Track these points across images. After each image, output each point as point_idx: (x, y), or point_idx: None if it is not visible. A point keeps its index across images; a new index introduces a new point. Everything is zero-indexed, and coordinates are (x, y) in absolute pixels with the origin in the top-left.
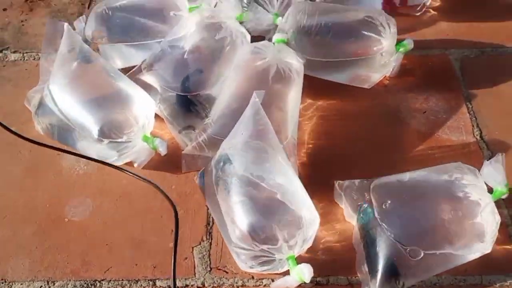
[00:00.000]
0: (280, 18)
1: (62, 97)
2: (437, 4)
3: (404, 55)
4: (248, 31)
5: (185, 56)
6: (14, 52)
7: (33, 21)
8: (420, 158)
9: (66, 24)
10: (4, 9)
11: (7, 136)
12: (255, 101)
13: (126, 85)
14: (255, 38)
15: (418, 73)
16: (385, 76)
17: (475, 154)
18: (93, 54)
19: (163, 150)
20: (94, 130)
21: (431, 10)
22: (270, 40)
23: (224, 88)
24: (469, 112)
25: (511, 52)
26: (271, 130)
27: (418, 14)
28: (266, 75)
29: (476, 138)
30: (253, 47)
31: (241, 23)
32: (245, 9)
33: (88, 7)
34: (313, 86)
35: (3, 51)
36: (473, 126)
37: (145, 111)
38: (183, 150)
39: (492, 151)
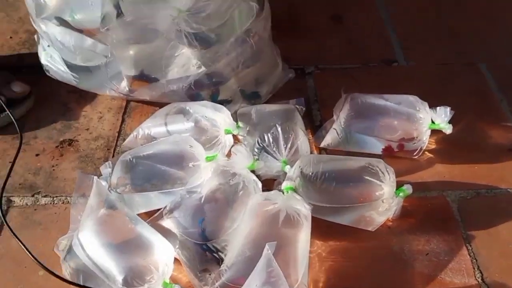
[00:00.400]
0: (288, 166)
1: (88, 245)
2: (433, 147)
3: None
4: (259, 177)
5: (202, 202)
6: (45, 196)
7: (63, 165)
8: None
9: (95, 178)
10: (37, 155)
11: (36, 281)
12: (267, 253)
13: (147, 232)
14: (265, 181)
15: (418, 215)
16: (388, 218)
17: None
18: (117, 202)
19: None
20: (119, 279)
21: (427, 153)
22: (279, 183)
23: (237, 234)
24: (469, 254)
25: (505, 193)
26: (283, 281)
27: (415, 157)
28: (276, 221)
29: (478, 281)
30: (264, 196)
31: (252, 171)
32: (256, 157)
33: (113, 153)
34: (320, 228)
35: (35, 195)
36: (474, 268)
37: (164, 258)
38: None
39: None
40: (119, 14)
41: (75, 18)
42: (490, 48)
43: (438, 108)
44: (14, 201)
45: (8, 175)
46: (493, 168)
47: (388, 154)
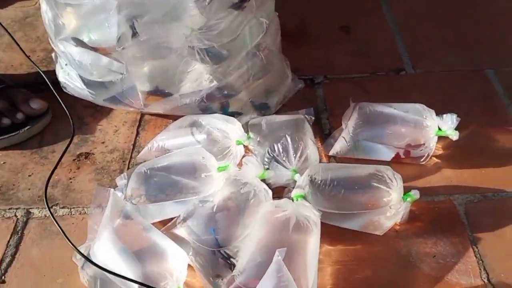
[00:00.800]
0: (298, 175)
1: (105, 253)
2: (440, 152)
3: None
4: (269, 185)
5: (214, 211)
6: (63, 207)
7: (80, 178)
8: None
9: (111, 190)
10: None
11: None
12: (278, 259)
13: (161, 240)
14: (275, 189)
15: (426, 218)
16: (396, 223)
17: None
18: (133, 212)
19: None
20: (134, 286)
21: (434, 158)
22: (289, 191)
23: (249, 240)
24: (475, 256)
25: (511, 197)
26: (293, 286)
27: (423, 163)
28: (286, 227)
29: (484, 281)
30: (275, 204)
31: (263, 180)
32: (266, 166)
33: (128, 165)
34: (329, 233)
35: (53, 207)
36: (480, 269)
37: (179, 264)
38: None
39: None
40: (134, 34)
41: (92, 38)
42: (497, 54)
43: (444, 115)
44: (33, 212)
45: (49, 179)
46: (499, 172)
47: (395, 161)
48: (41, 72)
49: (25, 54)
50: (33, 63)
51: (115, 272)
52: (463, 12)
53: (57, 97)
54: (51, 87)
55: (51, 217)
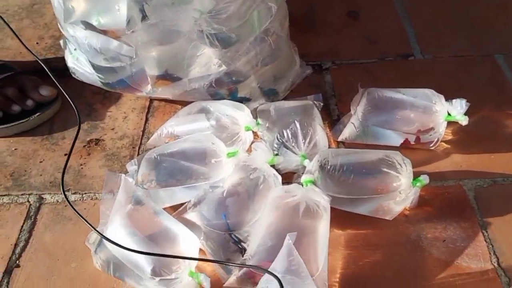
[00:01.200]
0: (307, 160)
1: (117, 238)
2: (449, 137)
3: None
4: (279, 171)
5: (225, 196)
6: (74, 193)
7: (91, 164)
8: (443, 286)
9: (123, 175)
10: (65, 154)
11: (68, 272)
12: (288, 242)
13: (173, 225)
14: (285, 175)
15: (435, 203)
16: (406, 207)
17: (493, 281)
18: (144, 197)
19: (207, 285)
20: (147, 269)
21: (444, 144)
22: (298, 176)
23: (259, 225)
24: (485, 240)
25: None
26: (304, 269)
27: (432, 148)
28: (296, 212)
29: (494, 265)
30: (284, 189)
31: (272, 166)
32: (275, 152)
33: (138, 151)
34: (339, 218)
35: (65, 193)
36: (490, 253)
37: (190, 248)
38: (224, 283)
39: (510, 277)
40: (144, 17)
41: (101, 22)
42: (507, 40)
43: (454, 100)
44: (45, 198)
45: (65, 166)
46: (509, 157)
47: (404, 146)
48: (39, 61)
49: (22, 43)
50: (31, 52)
51: (134, 249)
52: None
53: (59, 86)
54: (51, 75)
55: (68, 203)
